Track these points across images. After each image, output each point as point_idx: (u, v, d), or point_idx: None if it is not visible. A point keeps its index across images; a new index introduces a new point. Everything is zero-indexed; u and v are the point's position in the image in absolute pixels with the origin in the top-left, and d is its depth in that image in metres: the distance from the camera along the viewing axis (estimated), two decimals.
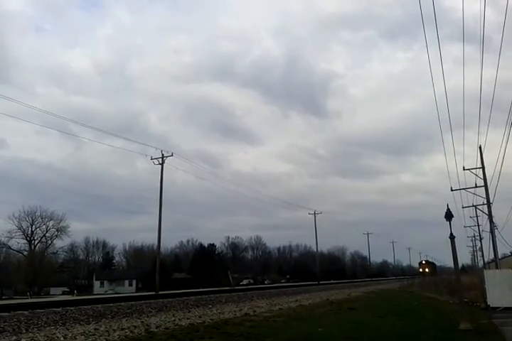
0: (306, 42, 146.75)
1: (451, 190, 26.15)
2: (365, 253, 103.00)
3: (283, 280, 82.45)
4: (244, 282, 74.78)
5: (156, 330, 9.33)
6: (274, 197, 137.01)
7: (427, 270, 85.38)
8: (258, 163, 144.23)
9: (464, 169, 24.98)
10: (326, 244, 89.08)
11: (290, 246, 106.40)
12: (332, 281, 52.39)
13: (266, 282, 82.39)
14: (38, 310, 11.28)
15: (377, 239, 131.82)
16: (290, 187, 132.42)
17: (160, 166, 35.29)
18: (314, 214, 63.38)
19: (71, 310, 11.69)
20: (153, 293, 18.10)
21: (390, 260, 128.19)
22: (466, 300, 16.72)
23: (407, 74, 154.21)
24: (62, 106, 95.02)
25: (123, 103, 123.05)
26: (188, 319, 11.30)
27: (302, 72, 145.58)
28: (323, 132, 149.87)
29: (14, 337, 8.01)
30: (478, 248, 56.27)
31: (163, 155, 35.32)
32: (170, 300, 15.65)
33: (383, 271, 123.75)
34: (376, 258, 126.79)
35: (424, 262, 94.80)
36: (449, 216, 11.98)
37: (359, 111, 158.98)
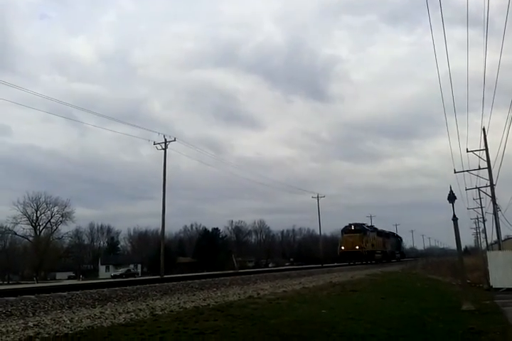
0: (308, 27, 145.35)
1: (455, 172, 26.09)
2: None
3: (287, 264, 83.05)
4: (250, 265, 75.62)
5: (161, 313, 9.44)
6: (278, 182, 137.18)
7: (356, 246, 46.10)
8: (261, 147, 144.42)
9: (467, 151, 24.90)
10: (329, 228, 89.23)
11: (293, 229, 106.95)
12: (335, 264, 52.67)
13: (270, 265, 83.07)
14: (44, 295, 11.39)
15: (380, 222, 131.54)
16: (293, 171, 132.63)
17: (163, 151, 35.40)
18: (317, 197, 63.49)
19: (77, 294, 11.81)
20: (158, 276, 18.25)
21: None
22: (468, 281, 16.83)
23: (409, 58, 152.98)
24: (66, 94, 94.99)
25: (126, 90, 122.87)
26: (192, 302, 11.41)
27: (305, 57, 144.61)
28: (326, 116, 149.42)
29: (21, 321, 8.12)
30: (481, 230, 56.35)
31: (165, 140, 35.43)
32: (175, 283, 15.79)
33: None
34: None
35: (352, 227, 49.08)
36: (451, 198, 11.96)
37: (362, 96, 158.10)
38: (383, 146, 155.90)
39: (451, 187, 12.00)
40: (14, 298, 10.50)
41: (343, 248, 47.76)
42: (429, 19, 12.57)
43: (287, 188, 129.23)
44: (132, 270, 65.51)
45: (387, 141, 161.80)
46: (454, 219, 11.64)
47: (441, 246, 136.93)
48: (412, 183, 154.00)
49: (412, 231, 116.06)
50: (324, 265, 50.90)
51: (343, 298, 13.18)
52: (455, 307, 10.70)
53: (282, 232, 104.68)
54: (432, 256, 79.78)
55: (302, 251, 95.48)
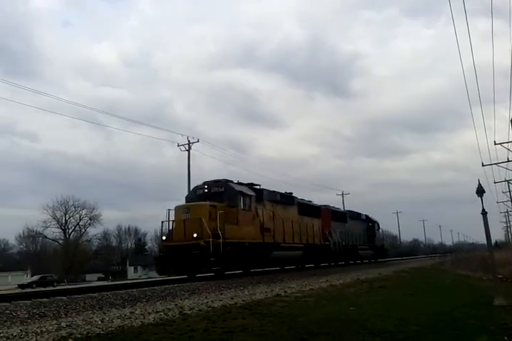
0: (327, 24, 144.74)
1: (483, 166, 25.63)
2: (395, 232, 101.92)
3: None
4: None
5: (189, 312, 9.53)
6: (301, 180, 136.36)
7: (194, 234, 17.24)
8: (284, 146, 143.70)
9: (495, 144, 24.42)
10: None
11: None
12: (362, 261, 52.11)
13: None
14: (76, 296, 11.63)
15: (406, 218, 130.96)
16: (317, 169, 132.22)
17: (187, 152, 35.70)
18: (342, 195, 63.02)
19: (107, 294, 12.01)
20: (186, 276, 18.39)
21: (421, 238, 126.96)
22: (500, 276, 16.47)
23: (432, 50, 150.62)
24: (91, 99, 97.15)
25: (150, 93, 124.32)
26: (220, 301, 11.49)
27: (326, 53, 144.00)
28: (348, 113, 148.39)
29: (54, 321, 8.31)
30: (511, 223, 55.06)
31: (189, 141, 35.80)
32: (202, 282, 15.91)
33: (414, 249, 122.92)
34: (406, 237, 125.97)
35: (205, 189, 20.46)
36: (480, 191, 11.73)
37: (384, 91, 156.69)
38: (407, 141, 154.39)
39: (479, 181, 11.68)
40: (47, 300, 10.75)
41: (164, 238, 19.24)
42: (451, 11, 12.26)
43: (311, 186, 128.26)
44: (49, 277, 54.29)
45: (411, 135, 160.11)
46: (483, 213, 11.41)
47: (471, 241, 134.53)
48: (439, 178, 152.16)
49: (439, 226, 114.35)
50: (350, 262, 50.50)
51: (371, 295, 13.07)
52: (486, 303, 10.49)
53: None
54: (461, 251, 77.25)
55: None
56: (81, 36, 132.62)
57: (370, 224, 42.55)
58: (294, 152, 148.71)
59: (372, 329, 7.30)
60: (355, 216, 39.52)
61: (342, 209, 44.02)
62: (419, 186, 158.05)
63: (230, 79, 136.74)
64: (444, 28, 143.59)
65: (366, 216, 42.75)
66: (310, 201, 30.57)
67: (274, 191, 24.45)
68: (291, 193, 27.08)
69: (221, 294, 13.21)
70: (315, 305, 10.54)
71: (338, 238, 32.27)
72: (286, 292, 13.81)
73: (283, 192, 25.54)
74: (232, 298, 12.06)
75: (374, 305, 10.40)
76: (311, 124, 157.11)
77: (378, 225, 45.08)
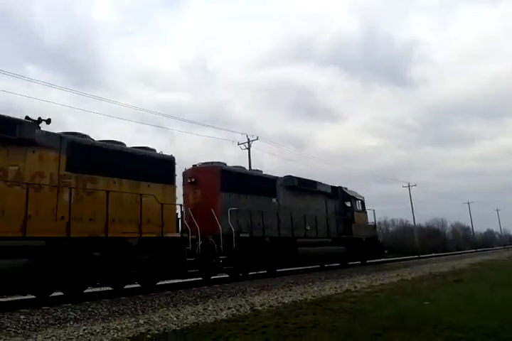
0: (383, 13, 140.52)
1: None
2: (467, 223, 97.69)
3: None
4: None
5: (260, 308, 9.64)
6: (364, 173, 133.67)
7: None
8: (343, 139, 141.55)
9: None
10: (423, 217, 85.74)
11: (385, 221, 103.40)
12: (433, 254, 50.49)
13: None
14: (152, 293, 12.08)
15: (479, 208, 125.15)
16: (379, 161, 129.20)
17: (247, 151, 36.08)
18: (408, 186, 61.13)
19: (180, 292, 12.40)
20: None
21: (496, 229, 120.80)
22: None
23: (495, 32, 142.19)
24: (154, 104, 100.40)
25: (208, 94, 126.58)
26: (290, 297, 11.53)
27: (382, 43, 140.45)
28: (409, 102, 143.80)
29: (133, 319, 8.68)
30: None
31: (248, 139, 36.11)
32: (270, 279, 16.04)
33: (489, 240, 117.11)
34: (480, 228, 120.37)
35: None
36: None
37: (447, 77, 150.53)
38: (474, 128, 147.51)
39: None
40: (125, 298, 11.24)
41: None
42: None
43: (374, 179, 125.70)
44: None
45: (478, 121, 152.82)
46: None
47: None
48: (511, 164, 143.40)
49: None
50: (421, 256, 48.99)
51: (446, 289, 12.62)
52: None
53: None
54: None
55: (396, 242, 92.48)
56: (140, 44, 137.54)
57: (343, 203, 25.40)
58: (354, 144, 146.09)
59: (450, 325, 7.04)
60: (305, 185, 21.71)
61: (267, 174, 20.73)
62: (490, 174, 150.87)
63: (285, 75, 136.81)
64: (507, 7, 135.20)
65: (336, 188, 24.96)
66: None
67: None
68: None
69: (290, 290, 13.24)
70: (387, 301, 10.33)
71: (241, 223, 16.95)
72: (355, 287, 13.63)
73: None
74: (301, 294, 12.07)
75: (450, 300, 10.05)
76: (370, 115, 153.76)
77: (363, 204, 26.89)
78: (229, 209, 16.30)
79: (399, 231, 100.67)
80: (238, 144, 36.89)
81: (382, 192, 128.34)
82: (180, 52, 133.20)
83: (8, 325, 7.90)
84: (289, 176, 21.02)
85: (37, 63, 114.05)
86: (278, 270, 19.41)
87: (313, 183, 22.68)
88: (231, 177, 17.41)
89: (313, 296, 11.60)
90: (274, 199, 19.53)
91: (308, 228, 20.85)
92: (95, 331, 7.46)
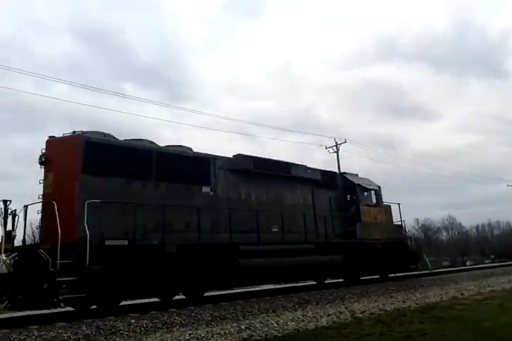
0: (472, 5, 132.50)
1: None
2: None
3: (486, 261, 75.63)
4: (445, 264, 70.66)
5: (361, 316, 9.41)
6: (462, 172, 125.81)
7: None
8: (437, 137, 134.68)
9: None
10: None
11: (489, 223, 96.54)
12: None
13: (467, 263, 76.62)
14: (251, 299, 12.26)
15: None
16: (478, 159, 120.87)
17: (335, 154, 35.68)
18: None
19: (278, 298, 12.45)
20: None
21: None
22: None
23: None
24: (241, 113, 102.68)
25: (293, 100, 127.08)
26: (391, 304, 11.13)
27: (474, 35, 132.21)
28: (508, 94, 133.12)
29: (235, 324, 8.85)
30: None
31: (336, 143, 35.76)
32: (369, 285, 15.62)
33: None
34: None
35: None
36: None
37: None
38: None
39: None
40: (225, 303, 11.52)
41: None
42: None
43: (474, 178, 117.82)
44: None
45: None
46: None
47: None
48: None
49: None
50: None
51: None
52: None
53: (477, 227, 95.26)
54: None
55: (503, 246, 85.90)
56: (224, 54, 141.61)
57: (345, 194, 18.61)
58: (449, 142, 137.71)
59: None
60: (269, 169, 15.21)
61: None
62: None
63: (369, 75, 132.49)
64: None
65: (331, 173, 18.86)
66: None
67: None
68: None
69: (391, 297, 12.77)
70: (500, 309, 9.60)
71: (116, 224, 11.06)
72: (463, 294, 12.85)
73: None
74: (403, 301, 11.59)
75: None
76: (465, 111, 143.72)
77: (378, 196, 19.66)
78: (86, 202, 10.31)
79: (505, 234, 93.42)
80: (326, 148, 36.52)
81: (484, 192, 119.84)
82: (262, 60, 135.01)
83: (122, 328, 8.41)
84: (239, 155, 14.81)
85: (131, 81, 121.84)
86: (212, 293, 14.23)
87: (285, 166, 15.91)
88: (104, 152, 11.55)
89: (416, 303, 11.11)
90: (206, 189, 13.49)
91: (275, 230, 14.66)
92: (200, 335, 7.70)
